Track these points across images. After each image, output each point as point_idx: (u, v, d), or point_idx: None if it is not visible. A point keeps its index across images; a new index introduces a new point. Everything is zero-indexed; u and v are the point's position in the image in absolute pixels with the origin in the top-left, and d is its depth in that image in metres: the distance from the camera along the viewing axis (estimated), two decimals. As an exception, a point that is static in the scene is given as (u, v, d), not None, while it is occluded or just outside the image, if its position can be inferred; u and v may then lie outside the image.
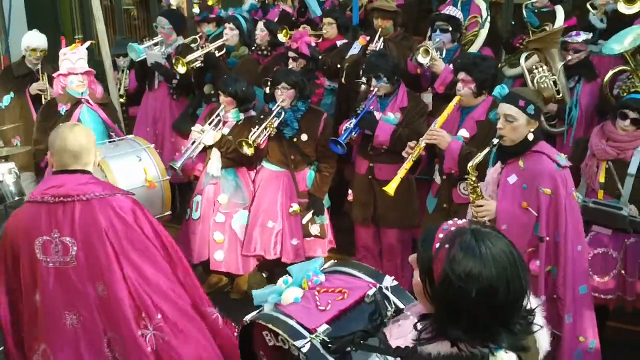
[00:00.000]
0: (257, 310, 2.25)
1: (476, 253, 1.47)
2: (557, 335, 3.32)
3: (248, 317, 2.22)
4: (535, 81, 4.46)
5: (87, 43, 4.70)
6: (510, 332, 1.48)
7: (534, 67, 4.48)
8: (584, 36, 4.54)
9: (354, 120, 4.32)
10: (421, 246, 1.57)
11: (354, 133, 4.33)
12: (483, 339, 1.48)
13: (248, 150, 4.39)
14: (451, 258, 1.47)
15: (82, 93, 4.58)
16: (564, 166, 3.28)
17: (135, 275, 2.71)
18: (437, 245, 1.52)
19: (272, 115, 4.44)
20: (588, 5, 5.11)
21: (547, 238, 3.27)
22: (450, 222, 1.58)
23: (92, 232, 2.68)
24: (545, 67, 4.47)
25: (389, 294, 2.19)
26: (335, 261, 2.41)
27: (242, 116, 4.73)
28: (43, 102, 5.52)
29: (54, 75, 4.70)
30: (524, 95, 3.30)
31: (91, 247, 2.69)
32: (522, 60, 4.58)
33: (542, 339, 1.67)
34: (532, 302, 1.56)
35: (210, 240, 4.78)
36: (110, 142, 4.42)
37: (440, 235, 1.53)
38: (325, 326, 2.05)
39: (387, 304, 2.14)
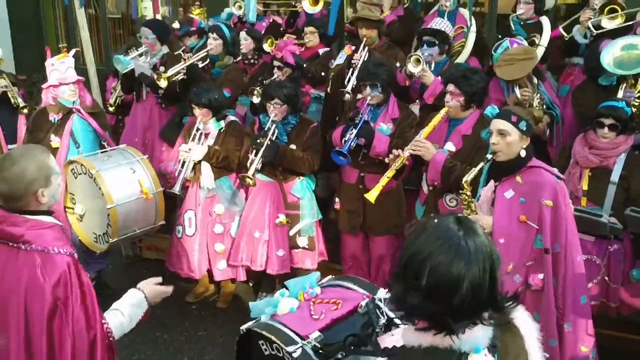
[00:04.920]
0: (254, 320, 2.26)
1: (427, 228, 1.55)
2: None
3: (245, 326, 2.24)
4: (534, 106, 4.49)
5: (73, 51, 4.70)
6: (455, 320, 1.52)
7: (526, 93, 4.50)
8: (524, 42, 4.66)
9: (354, 131, 4.23)
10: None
11: (353, 142, 4.25)
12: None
13: (251, 182, 4.39)
14: (417, 227, 1.59)
15: (73, 102, 4.60)
16: (561, 178, 3.32)
17: (35, 345, 2.42)
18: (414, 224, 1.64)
19: (267, 138, 4.40)
20: (561, 29, 5.20)
21: (551, 250, 3.27)
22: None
23: (9, 284, 2.43)
24: (529, 88, 4.51)
25: (381, 304, 2.21)
26: (333, 276, 2.45)
27: (222, 124, 4.73)
28: (13, 104, 5.50)
29: (43, 86, 4.69)
30: (516, 111, 3.33)
31: (4, 297, 2.44)
32: (517, 90, 4.55)
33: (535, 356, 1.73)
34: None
35: (210, 252, 4.79)
36: (102, 152, 4.41)
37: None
38: (317, 333, 2.09)
39: (379, 314, 2.17)
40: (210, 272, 4.92)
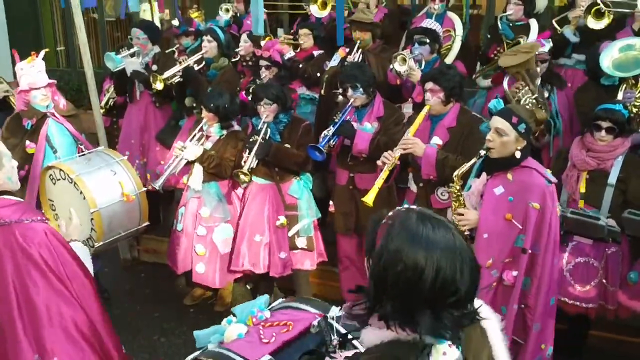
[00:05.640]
0: (201, 350, 2.17)
1: (411, 232, 1.46)
2: (518, 342, 3.44)
3: (190, 357, 2.14)
4: (522, 104, 4.48)
5: (42, 53, 4.50)
6: (437, 320, 1.45)
7: (517, 89, 4.51)
8: (548, 46, 4.60)
9: (332, 128, 4.32)
10: (371, 225, 1.58)
11: (332, 141, 4.34)
12: (407, 322, 1.46)
13: (245, 178, 4.39)
14: (388, 233, 1.49)
15: (47, 106, 4.46)
16: (552, 182, 3.34)
17: (30, 312, 2.52)
18: (383, 221, 1.54)
19: (260, 137, 4.41)
20: (554, 22, 5.19)
21: (530, 251, 3.32)
22: (404, 206, 1.60)
23: None
24: (526, 87, 4.50)
25: (334, 322, 2.13)
26: (283, 299, 2.39)
27: (224, 132, 4.73)
28: (9, 108, 5.49)
29: (15, 92, 4.57)
30: (518, 112, 3.34)
31: None
32: (505, 84, 4.57)
33: (497, 344, 1.71)
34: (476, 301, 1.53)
35: (192, 252, 4.78)
36: (80, 156, 4.32)
37: (390, 214, 1.55)
38: (267, 357, 2.00)
39: (331, 332, 2.08)
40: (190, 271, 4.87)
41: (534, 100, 4.49)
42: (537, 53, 4.50)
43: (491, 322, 1.71)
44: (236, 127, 4.83)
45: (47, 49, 4.82)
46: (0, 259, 2.51)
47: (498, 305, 3.38)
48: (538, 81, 4.53)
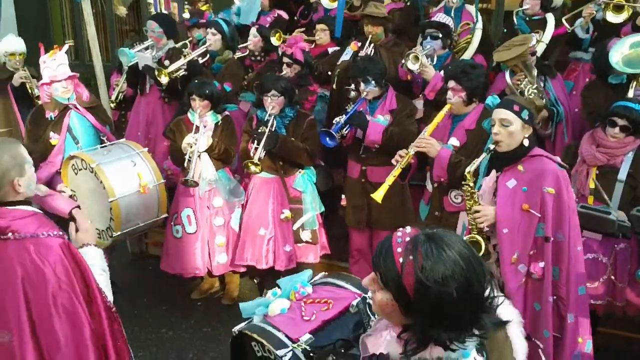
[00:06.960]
0: (247, 321, 2.24)
1: (442, 255, 1.48)
2: (556, 337, 3.34)
3: (236, 328, 2.22)
4: (525, 95, 4.47)
5: (66, 47, 4.57)
6: (488, 314, 1.53)
7: (518, 81, 4.50)
8: (534, 39, 4.64)
9: (344, 116, 4.31)
10: (381, 266, 1.54)
11: (344, 130, 4.30)
12: (467, 331, 1.51)
13: (257, 168, 4.39)
14: (421, 268, 1.47)
15: (68, 99, 4.52)
16: (564, 167, 3.31)
17: (43, 332, 2.42)
18: (400, 260, 1.50)
19: (267, 129, 4.40)
20: (563, 20, 5.16)
21: (552, 238, 3.25)
22: (399, 233, 1.57)
23: (4, 277, 2.41)
24: (526, 79, 4.50)
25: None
26: (326, 273, 2.42)
27: (219, 117, 4.73)
28: (30, 95, 5.51)
29: (38, 84, 4.64)
30: (518, 100, 3.33)
31: (1, 292, 2.42)
32: (507, 77, 4.58)
33: (517, 341, 1.70)
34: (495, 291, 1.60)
35: (211, 246, 4.76)
36: (102, 147, 4.38)
37: (398, 250, 1.52)
38: (308, 336, 2.06)
39: (369, 313, 2.15)
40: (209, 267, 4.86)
41: (535, 90, 4.50)
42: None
43: (510, 315, 1.69)
44: (226, 112, 4.84)
45: (71, 42, 4.88)
46: (14, 277, 2.40)
47: (530, 302, 3.31)
48: (535, 72, 4.53)
